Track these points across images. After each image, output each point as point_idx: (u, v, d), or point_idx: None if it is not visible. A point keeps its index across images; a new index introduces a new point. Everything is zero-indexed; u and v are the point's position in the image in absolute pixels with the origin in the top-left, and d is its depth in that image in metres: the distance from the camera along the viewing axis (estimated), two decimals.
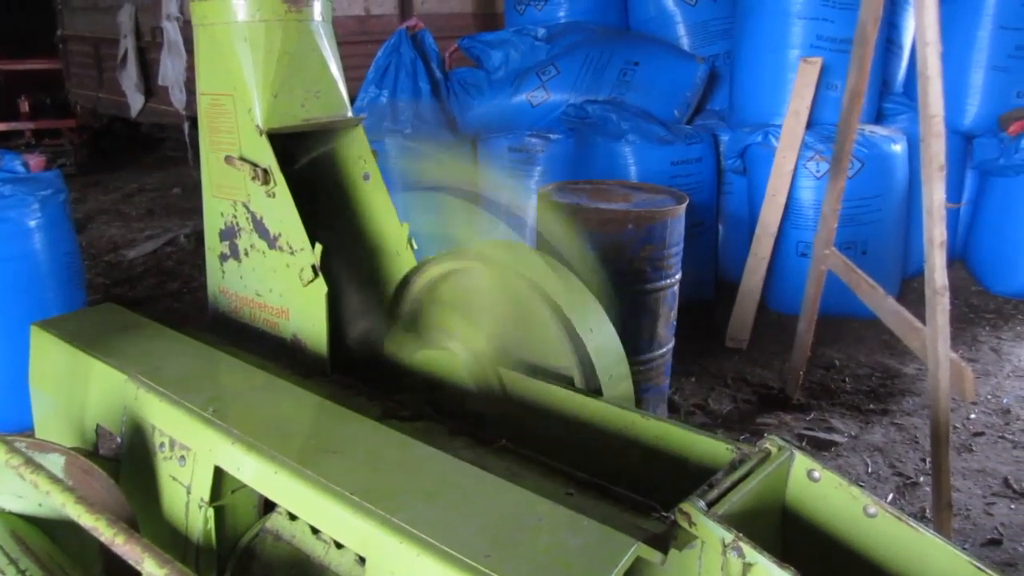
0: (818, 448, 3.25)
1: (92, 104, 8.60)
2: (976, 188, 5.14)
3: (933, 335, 2.46)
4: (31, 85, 8.93)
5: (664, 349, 3.23)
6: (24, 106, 8.52)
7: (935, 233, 2.41)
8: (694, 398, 3.68)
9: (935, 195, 2.40)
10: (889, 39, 4.73)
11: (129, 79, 7.48)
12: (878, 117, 4.76)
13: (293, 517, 1.58)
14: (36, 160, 3.35)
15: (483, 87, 5.22)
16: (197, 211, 2.18)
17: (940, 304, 2.42)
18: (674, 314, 3.25)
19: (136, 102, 7.57)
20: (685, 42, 5.22)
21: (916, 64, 2.46)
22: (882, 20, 3.00)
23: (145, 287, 5.18)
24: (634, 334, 3.07)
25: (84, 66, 8.54)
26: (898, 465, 3.15)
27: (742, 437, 3.24)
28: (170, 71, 6.67)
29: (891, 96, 4.86)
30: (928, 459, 3.11)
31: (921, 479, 3.04)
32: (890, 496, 2.96)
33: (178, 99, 6.71)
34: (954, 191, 4.91)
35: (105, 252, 5.87)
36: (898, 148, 4.46)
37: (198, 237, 5.83)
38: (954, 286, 2.52)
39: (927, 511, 2.81)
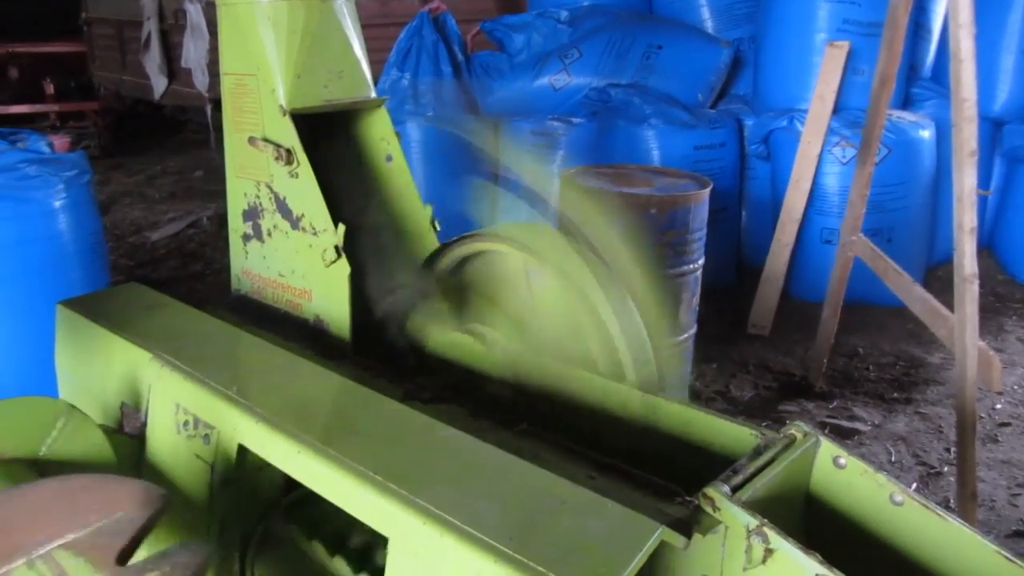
0: (841, 437, 3.23)
1: (116, 87, 8.65)
2: (1004, 176, 5.07)
3: (961, 323, 2.43)
4: (56, 68, 9.00)
5: (686, 335, 3.22)
6: (49, 88, 8.58)
7: (965, 219, 2.37)
8: (715, 384, 3.66)
9: (966, 181, 2.36)
10: (918, 23, 4.66)
11: (152, 61, 7.52)
12: (905, 103, 4.70)
13: (288, 520, 1.60)
14: (61, 140, 3.36)
15: (505, 70, 5.20)
16: (219, 194, 2.19)
17: (969, 291, 2.39)
18: (696, 300, 3.24)
19: (159, 84, 7.61)
20: (709, 25, 5.17)
21: (946, 48, 2.42)
22: (912, 3, 2.94)
23: (168, 269, 5.22)
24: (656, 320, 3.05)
25: (108, 49, 8.59)
26: (922, 455, 3.12)
27: (764, 424, 3.21)
28: (192, 53, 6.69)
29: (919, 81, 4.80)
30: (952, 449, 3.08)
31: (945, 469, 3.01)
32: (913, 486, 2.93)
33: (201, 81, 6.74)
34: (982, 178, 4.83)
35: (128, 234, 5.92)
36: (926, 134, 4.40)
37: (220, 219, 5.86)
38: (980, 275, 2.48)
39: (951, 501, 2.79)
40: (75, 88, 8.99)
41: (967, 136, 2.36)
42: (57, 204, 3.20)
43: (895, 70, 3.01)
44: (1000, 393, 3.52)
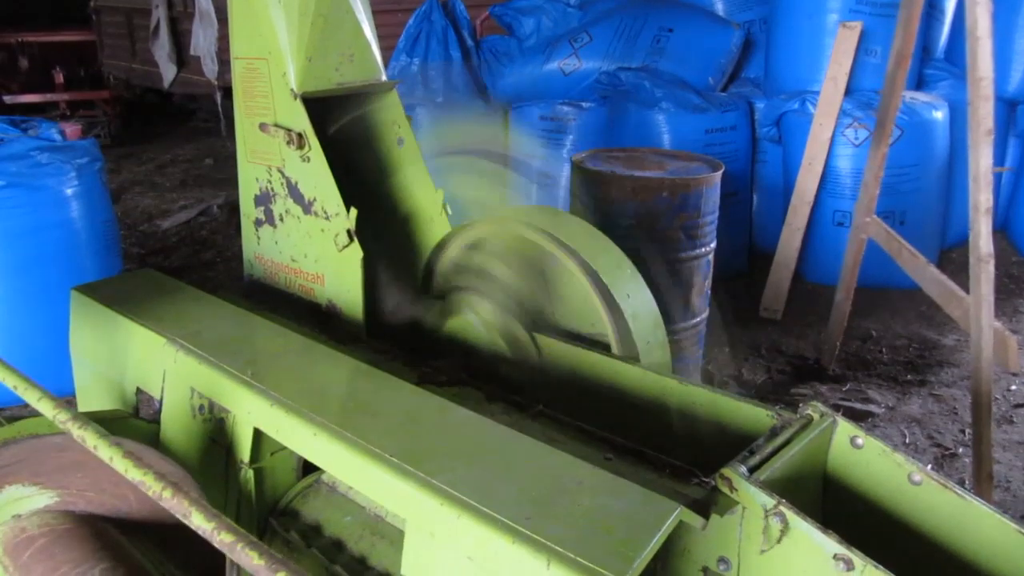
0: (855, 420, 3.17)
1: (125, 75, 8.65)
2: (1019, 156, 5.02)
3: (976, 303, 2.41)
4: (65, 56, 9.00)
5: (698, 319, 3.20)
6: (58, 77, 8.58)
7: (981, 199, 2.35)
8: (728, 368, 3.65)
9: (982, 160, 2.34)
10: (931, 3, 4.61)
11: (161, 49, 7.51)
12: (919, 84, 4.66)
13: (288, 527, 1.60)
14: (72, 128, 3.37)
15: (515, 55, 5.17)
16: (229, 182, 2.19)
17: (984, 271, 2.37)
18: (708, 284, 3.22)
19: (168, 73, 7.60)
20: (720, 8, 5.12)
21: (960, 29, 2.39)
22: None
23: (179, 256, 5.23)
24: (668, 303, 3.04)
25: (117, 37, 8.58)
26: (936, 436, 3.11)
27: (779, 407, 3.21)
28: (202, 41, 6.68)
29: (932, 62, 4.75)
30: (967, 430, 3.07)
31: (960, 450, 3.00)
32: (929, 467, 2.90)
33: (210, 69, 6.73)
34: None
35: (140, 222, 5.93)
36: (939, 115, 4.35)
37: (231, 207, 5.86)
38: (995, 256, 2.46)
39: (966, 483, 2.78)
40: (85, 77, 8.99)
41: (983, 115, 2.34)
42: (69, 192, 3.21)
43: (911, 49, 2.98)
44: (1016, 374, 3.50)
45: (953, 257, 4.71)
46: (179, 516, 0.87)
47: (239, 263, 2.23)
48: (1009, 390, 3.42)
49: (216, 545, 0.83)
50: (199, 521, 0.83)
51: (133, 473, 0.92)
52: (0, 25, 9.01)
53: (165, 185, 6.99)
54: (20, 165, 3.11)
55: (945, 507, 1.34)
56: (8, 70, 8.99)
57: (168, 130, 9.15)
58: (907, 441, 3.07)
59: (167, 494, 0.87)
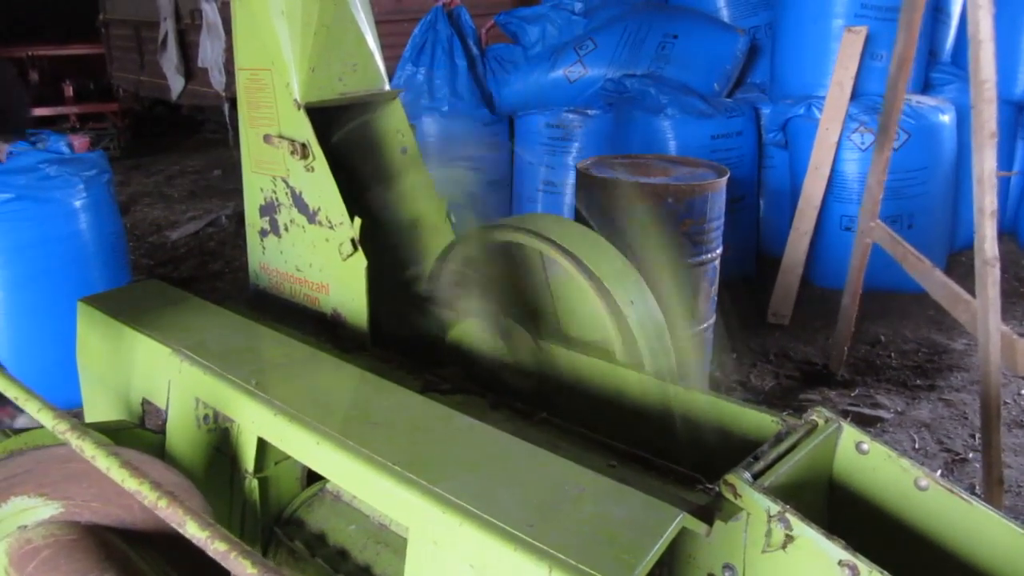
0: (863, 424, 3.19)
1: (134, 87, 8.71)
2: None
3: (984, 307, 2.40)
4: (74, 70, 9.07)
5: (705, 325, 3.20)
6: (68, 91, 8.65)
7: (986, 202, 2.34)
8: (735, 374, 3.64)
9: (986, 163, 2.33)
10: (936, 7, 4.61)
11: (169, 62, 7.56)
12: (925, 87, 4.65)
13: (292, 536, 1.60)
14: (80, 140, 3.39)
15: (520, 63, 5.18)
16: (238, 192, 2.19)
17: (991, 275, 2.36)
18: (715, 289, 3.21)
19: (176, 84, 7.65)
20: (725, 14, 5.13)
21: (965, 31, 2.38)
22: None
23: (188, 267, 5.25)
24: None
25: (125, 50, 8.64)
26: (946, 441, 3.09)
27: (785, 413, 3.19)
28: (209, 53, 6.72)
29: (939, 65, 4.74)
30: (977, 435, 3.05)
31: (970, 455, 2.98)
32: (938, 472, 2.90)
33: (217, 80, 6.77)
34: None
35: (149, 234, 5.96)
36: (946, 119, 4.34)
37: (239, 218, 5.89)
38: (1002, 259, 2.45)
39: (977, 488, 2.76)
40: (94, 90, 9.05)
41: (987, 118, 2.33)
42: (77, 204, 3.23)
43: (913, 53, 2.98)
44: None
45: (962, 260, 4.69)
46: (174, 525, 0.87)
47: (247, 273, 2.24)
48: (1019, 394, 3.40)
49: (211, 554, 0.83)
50: (194, 530, 0.83)
51: (130, 483, 0.92)
52: (10, 40, 9.08)
53: (174, 196, 7.03)
54: (29, 178, 3.14)
55: (952, 512, 1.33)
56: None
57: (177, 142, 9.21)
58: (917, 446, 3.06)
59: (163, 503, 0.87)
